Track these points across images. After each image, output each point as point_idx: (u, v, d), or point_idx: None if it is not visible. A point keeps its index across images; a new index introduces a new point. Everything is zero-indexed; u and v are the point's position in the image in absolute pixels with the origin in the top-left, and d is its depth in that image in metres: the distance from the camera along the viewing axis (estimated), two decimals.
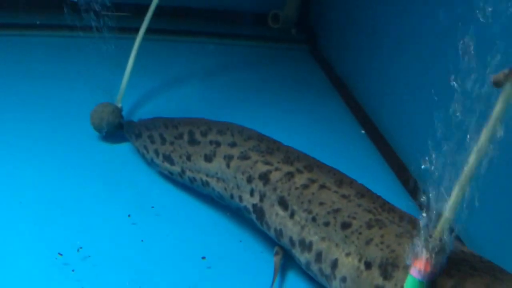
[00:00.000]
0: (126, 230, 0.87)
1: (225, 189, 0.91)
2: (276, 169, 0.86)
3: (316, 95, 1.42)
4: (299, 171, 0.85)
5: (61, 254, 0.79)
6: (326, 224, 0.78)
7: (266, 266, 0.83)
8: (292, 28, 1.70)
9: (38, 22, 1.51)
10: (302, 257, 0.81)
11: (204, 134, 0.96)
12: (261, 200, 0.86)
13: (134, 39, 1.13)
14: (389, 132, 1.20)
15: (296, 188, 0.83)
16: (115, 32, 1.13)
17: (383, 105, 1.23)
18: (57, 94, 1.23)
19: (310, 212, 0.80)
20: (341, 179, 0.83)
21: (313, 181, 0.83)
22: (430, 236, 0.66)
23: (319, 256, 0.78)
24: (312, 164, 0.86)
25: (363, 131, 1.22)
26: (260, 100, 1.20)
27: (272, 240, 0.85)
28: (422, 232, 0.67)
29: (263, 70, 1.49)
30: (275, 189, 0.84)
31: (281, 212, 0.83)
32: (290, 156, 0.87)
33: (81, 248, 0.80)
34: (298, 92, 1.40)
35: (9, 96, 1.20)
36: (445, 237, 0.66)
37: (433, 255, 0.66)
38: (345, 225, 0.77)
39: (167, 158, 0.99)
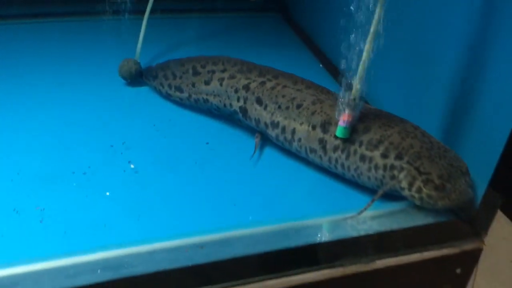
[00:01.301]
0: (152, 132, 1.29)
1: (220, 101, 1.31)
2: (254, 81, 1.27)
3: (288, 49, 1.82)
4: (269, 79, 1.26)
5: (112, 146, 1.21)
6: (287, 108, 1.19)
7: (250, 147, 1.24)
8: (266, 1, 2.09)
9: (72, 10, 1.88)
10: (273, 133, 1.21)
11: (203, 67, 1.35)
12: (245, 102, 1.26)
13: (140, 19, 1.52)
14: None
15: (267, 90, 1.23)
16: (125, 14, 1.56)
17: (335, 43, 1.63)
18: (92, 60, 1.60)
19: (276, 103, 1.21)
20: (296, 80, 1.24)
21: (278, 84, 1.24)
22: (348, 101, 1.07)
23: (283, 129, 1.19)
24: (277, 74, 1.26)
25: (321, 65, 1.65)
26: (242, 55, 1.58)
27: (253, 131, 1.27)
28: (342, 100, 1.07)
29: (246, 34, 1.89)
30: (253, 93, 1.25)
31: (258, 107, 1.23)
32: (263, 71, 1.28)
33: (124, 142, 1.23)
34: (273, 45, 1.80)
35: (54, 70, 1.56)
36: (356, 100, 1.07)
37: (351, 111, 1.07)
38: (299, 106, 1.18)
39: (178, 88, 1.39)
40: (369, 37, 1.03)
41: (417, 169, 1.02)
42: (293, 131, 1.18)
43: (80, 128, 1.27)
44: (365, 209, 1.03)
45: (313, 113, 1.16)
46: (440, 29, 1.15)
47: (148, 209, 1.04)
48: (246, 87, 1.26)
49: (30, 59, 1.57)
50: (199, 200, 1.08)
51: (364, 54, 1.04)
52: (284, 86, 1.23)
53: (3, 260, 0.88)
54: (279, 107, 1.21)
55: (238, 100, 1.28)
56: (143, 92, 1.47)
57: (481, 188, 1.04)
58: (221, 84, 1.30)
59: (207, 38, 1.83)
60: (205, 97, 1.34)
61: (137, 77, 1.49)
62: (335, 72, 1.57)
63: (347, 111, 1.09)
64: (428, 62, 1.18)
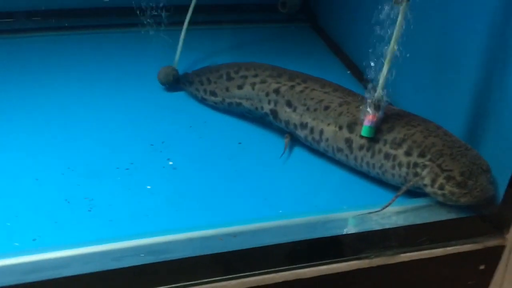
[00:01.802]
0: (189, 132, 1.37)
1: (252, 104, 1.39)
2: (284, 85, 1.34)
3: (317, 57, 1.89)
4: (298, 83, 1.32)
5: (152, 145, 1.31)
6: (315, 110, 1.26)
7: (280, 146, 1.31)
8: (297, 12, 2.17)
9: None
10: (302, 133, 1.28)
11: (236, 72, 1.43)
12: (275, 105, 1.33)
13: (179, 31, 1.61)
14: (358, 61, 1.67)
15: (296, 93, 1.30)
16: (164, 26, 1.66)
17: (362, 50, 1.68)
18: (135, 69, 1.69)
19: (305, 105, 1.28)
20: (324, 83, 1.31)
21: (306, 87, 1.31)
22: (372, 102, 1.13)
23: (311, 130, 1.26)
24: (306, 78, 1.33)
25: (348, 72, 1.71)
26: (272, 63, 1.56)
27: (283, 132, 1.34)
28: (368, 102, 1.13)
29: (276, 43, 1.97)
30: (283, 96, 1.32)
31: (287, 110, 1.31)
32: (292, 75, 1.35)
33: (163, 142, 1.32)
34: (302, 53, 1.87)
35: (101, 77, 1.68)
36: (380, 102, 1.13)
37: (375, 111, 1.13)
38: (326, 108, 1.24)
39: (212, 93, 1.48)
40: (392, 40, 1.09)
41: (439, 166, 1.07)
42: (321, 132, 1.24)
43: (124, 129, 1.37)
44: (389, 204, 1.08)
45: (340, 114, 1.22)
46: (463, 34, 1.20)
47: (186, 201, 1.12)
48: (277, 91, 1.33)
49: (79, 68, 1.67)
50: (232, 195, 1.15)
51: (387, 57, 1.10)
52: (313, 89, 1.30)
53: (56, 244, 0.97)
54: (308, 109, 1.27)
55: (269, 103, 1.35)
56: (181, 97, 1.56)
57: (503, 185, 1.08)
58: (253, 88, 1.38)
59: (239, 47, 1.91)
60: (238, 100, 1.42)
61: (174, 82, 1.58)
62: (361, 78, 1.62)
63: (371, 111, 1.15)
64: (451, 66, 1.23)
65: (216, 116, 1.47)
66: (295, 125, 1.30)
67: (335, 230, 1.04)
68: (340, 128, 1.21)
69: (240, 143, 1.34)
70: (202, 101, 1.52)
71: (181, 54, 1.62)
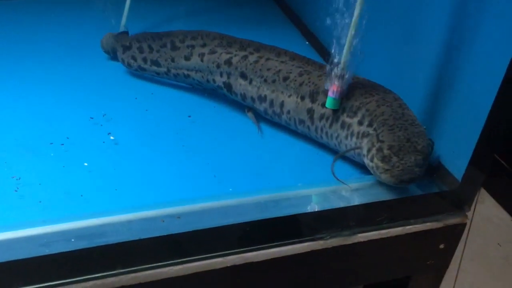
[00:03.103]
0: (134, 105, 1.26)
1: (202, 77, 1.29)
2: (235, 55, 1.24)
3: (275, 26, 1.78)
4: (250, 53, 1.23)
5: (92, 118, 1.19)
6: (273, 81, 1.17)
7: (231, 120, 1.23)
8: None
9: None
10: (261, 107, 1.20)
11: (182, 41, 1.31)
12: (228, 78, 1.23)
13: None
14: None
15: (250, 64, 1.21)
16: None
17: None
18: (75, 34, 1.56)
19: (262, 76, 1.18)
20: (279, 52, 1.21)
21: (260, 57, 1.21)
22: (337, 72, 1.05)
23: (271, 103, 1.17)
24: (259, 47, 1.23)
25: (307, 42, 1.62)
26: (228, 32, 1.54)
27: (236, 104, 1.25)
28: (332, 71, 1.05)
29: (233, 13, 1.84)
30: (236, 68, 1.22)
31: (242, 82, 1.21)
32: (243, 44, 1.24)
33: (105, 114, 1.20)
34: (260, 23, 1.77)
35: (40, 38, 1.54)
36: (344, 73, 1.05)
37: (340, 82, 1.05)
38: (285, 78, 1.16)
39: (154, 62, 1.34)
40: (356, 8, 1.01)
41: (377, 136, 1.00)
42: (282, 104, 1.16)
43: (60, 101, 1.25)
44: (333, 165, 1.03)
45: (300, 84, 1.14)
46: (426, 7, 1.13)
47: (127, 180, 1.02)
48: (228, 62, 1.23)
49: (14, 36, 1.52)
50: (179, 172, 1.06)
51: (352, 24, 1.02)
52: (268, 59, 1.20)
53: None
54: (265, 80, 1.18)
55: (221, 75, 1.25)
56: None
57: (463, 163, 1.02)
58: (202, 60, 1.27)
59: (193, 15, 1.79)
60: (186, 72, 1.31)
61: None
62: (321, 49, 1.54)
63: (336, 82, 1.07)
64: (415, 39, 1.17)
65: (165, 88, 1.36)
66: (252, 98, 1.21)
67: (288, 209, 0.96)
68: (302, 98, 1.13)
69: (189, 116, 1.24)
70: (139, 70, 1.38)
71: (128, 20, 1.50)
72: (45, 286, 0.81)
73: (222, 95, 1.29)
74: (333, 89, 1.07)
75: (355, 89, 1.09)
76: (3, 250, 0.83)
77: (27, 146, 1.08)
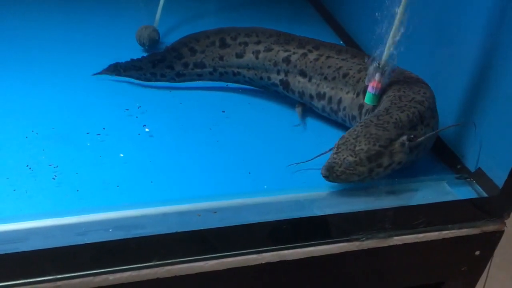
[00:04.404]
0: (168, 98, 1.27)
1: (255, 74, 1.27)
2: (294, 53, 1.23)
3: (309, 24, 1.78)
4: (309, 50, 1.22)
5: (127, 109, 1.19)
6: (333, 78, 1.16)
7: (267, 116, 1.23)
8: None
9: None
10: (319, 104, 1.19)
11: (234, 39, 1.29)
12: (286, 75, 1.23)
13: None
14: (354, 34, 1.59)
15: (310, 62, 1.20)
16: None
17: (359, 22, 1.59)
18: (112, 26, 1.58)
19: (322, 74, 1.18)
20: (340, 49, 1.20)
21: (320, 55, 1.20)
22: (376, 70, 1.04)
23: (329, 100, 1.17)
24: (318, 44, 1.22)
25: (341, 42, 1.60)
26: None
27: (274, 100, 1.25)
28: (373, 67, 1.04)
29: (265, 10, 1.83)
30: (295, 66, 1.21)
31: (302, 80, 1.20)
32: (302, 42, 1.23)
33: (140, 106, 1.21)
34: (293, 21, 1.76)
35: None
36: (385, 69, 1.04)
37: (379, 78, 1.05)
38: (345, 75, 1.15)
39: (198, 65, 1.30)
40: (401, 5, 0.99)
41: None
42: (340, 101, 1.16)
43: (96, 92, 1.26)
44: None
45: (358, 81, 1.14)
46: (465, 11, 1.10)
47: (162, 172, 1.02)
48: (287, 60, 1.23)
49: (51, 24, 1.55)
50: (213, 167, 1.05)
51: (395, 22, 1.00)
52: (328, 57, 1.20)
53: (14, 214, 0.87)
54: (325, 78, 1.18)
55: (278, 73, 1.24)
56: None
57: (506, 170, 1.00)
58: (256, 57, 1.26)
59: (226, 11, 1.79)
60: (236, 70, 1.29)
61: (154, 43, 1.46)
62: (355, 47, 1.53)
63: (376, 78, 1.06)
64: (457, 38, 1.14)
65: (198, 82, 1.34)
66: (311, 96, 1.21)
67: (324, 209, 0.95)
68: (358, 94, 1.13)
69: (223, 111, 1.23)
70: (175, 77, 1.33)
71: (162, 14, 1.50)
72: (81, 274, 0.81)
73: (274, 92, 1.28)
74: (372, 85, 1.07)
75: (389, 85, 1.08)
76: (40, 237, 0.84)
77: (64, 135, 1.09)
